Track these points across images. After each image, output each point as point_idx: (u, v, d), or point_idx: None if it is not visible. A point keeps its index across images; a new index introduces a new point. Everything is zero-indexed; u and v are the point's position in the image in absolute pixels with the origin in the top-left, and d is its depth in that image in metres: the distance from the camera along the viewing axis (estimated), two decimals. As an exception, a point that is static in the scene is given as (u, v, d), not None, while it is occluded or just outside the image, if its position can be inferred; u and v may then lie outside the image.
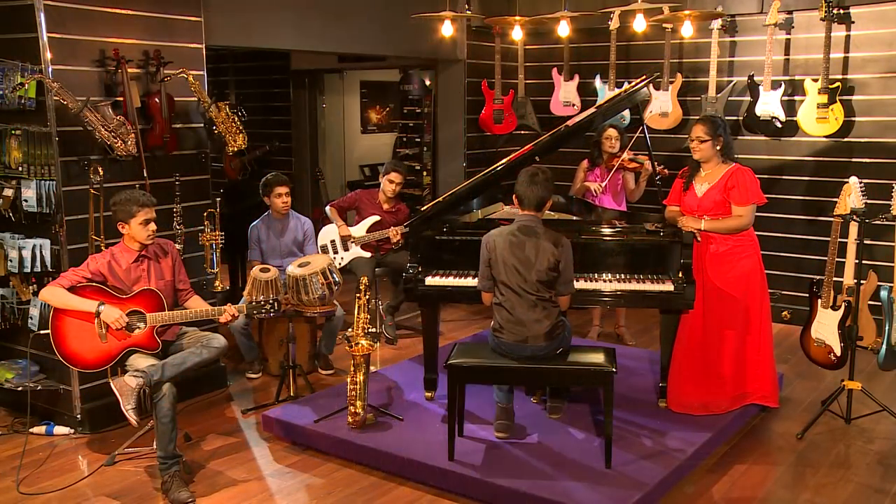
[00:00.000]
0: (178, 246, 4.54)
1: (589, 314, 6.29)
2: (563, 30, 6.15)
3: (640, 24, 5.82)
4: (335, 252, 5.95)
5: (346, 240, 5.94)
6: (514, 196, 3.94)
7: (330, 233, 5.99)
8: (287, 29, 5.77)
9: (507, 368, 3.86)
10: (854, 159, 6.16)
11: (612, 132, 5.64)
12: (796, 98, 6.28)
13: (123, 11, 4.52)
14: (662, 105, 6.73)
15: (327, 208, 6.07)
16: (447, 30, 6.06)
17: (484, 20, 6.73)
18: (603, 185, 5.63)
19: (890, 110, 6.00)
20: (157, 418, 3.80)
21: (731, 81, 6.55)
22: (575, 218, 5.02)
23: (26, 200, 4.32)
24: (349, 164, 9.91)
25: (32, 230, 4.43)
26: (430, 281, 4.46)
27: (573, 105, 7.24)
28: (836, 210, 4.42)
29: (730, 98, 6.53)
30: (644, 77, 4.82)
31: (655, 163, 4.87)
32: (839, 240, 4.45)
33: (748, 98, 6.37)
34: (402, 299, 6.05)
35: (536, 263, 3.78)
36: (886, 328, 4.45)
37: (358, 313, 4.25)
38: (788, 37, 6.32)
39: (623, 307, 5.84)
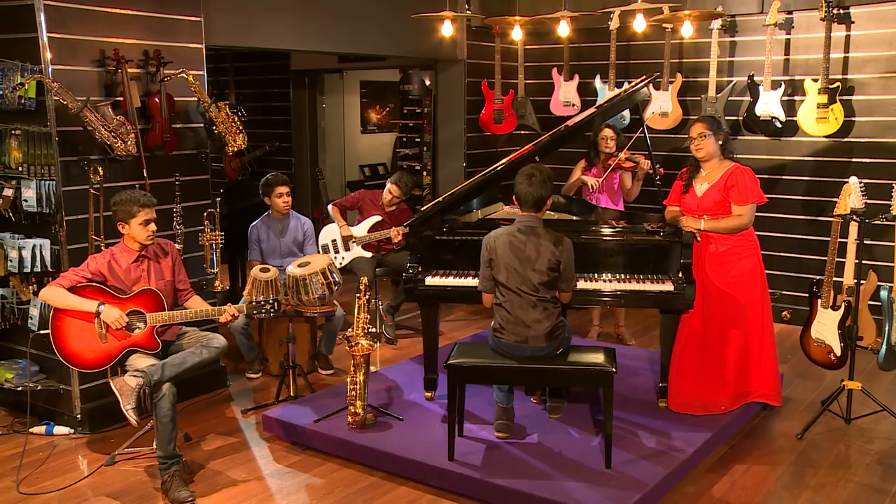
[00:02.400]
0: (178, 246, 4.54)
1: (589, 314, 6.29)
2: (563, 30, 6.15)
3: (640, 24, 5.82)
4: (336, 252, 5.95)
5: (347, 240, 5.94)
6: (513, 197, 3.95)
7: (331, 232, 5.99)
8: (287, 29, 5.77)
9: (507, 368, 3.86)
10: (854, 159, 6.16)
11: (608, 132, 5.63)
12: (796, 98, 6.28)
13: (123, 11, 4.52)
14: (662, 105, 6.73)
15: (329, 207, 6.08)
16: (447, 30, 6.06)
17: (484, 20, 6.73)
18: (600, 181, 5.62)
19: (890, 110, 6.00)
20: (156, 418, 3.80)
21: (731, 81, 6.55)
22: (575, 218, 5.02)
23: (26, 200, 4.32)
24: (349, 164, 9.91)
25: (32, 230, 4.43)
26: (430, 281, 4.46)
27: (573, 105, 7.24)
28: (836, 210, 4.42)
29: (730, 98, 6.53)
30: (644, 77, 4.82)
31: (654, 162, 4.87)
32: (839, 240, 4.45)
33: (748, 98, 6.37)
34: (402, 299, 6.05)
35: (537, 264, 3.78)
36: (886, 328, 4.45)
37: (358, 313, 4.25)
38: (788, 37, 6.32)
39: (623, 307, 5.84)
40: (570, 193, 5.75)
